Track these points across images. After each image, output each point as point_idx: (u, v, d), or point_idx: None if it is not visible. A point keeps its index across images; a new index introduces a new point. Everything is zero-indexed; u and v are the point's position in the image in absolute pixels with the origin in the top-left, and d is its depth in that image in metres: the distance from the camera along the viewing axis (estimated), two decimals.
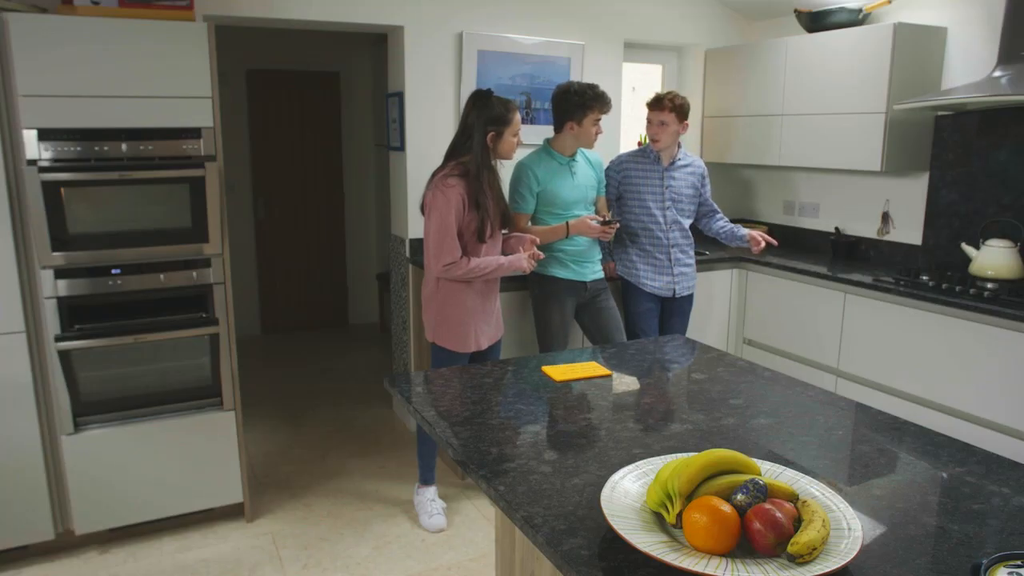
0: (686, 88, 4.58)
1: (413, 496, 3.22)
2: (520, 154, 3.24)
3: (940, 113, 3.50)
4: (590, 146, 3.21)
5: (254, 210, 5.74)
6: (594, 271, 3.29)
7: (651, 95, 3.35)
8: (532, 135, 3.93)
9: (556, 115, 3.17)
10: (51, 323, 2.62)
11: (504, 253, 2.95)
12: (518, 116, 2.80)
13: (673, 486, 1.20)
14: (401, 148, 3.77)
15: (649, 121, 3.34)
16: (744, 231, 3.46)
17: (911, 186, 3.70)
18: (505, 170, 3.00)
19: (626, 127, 4.39)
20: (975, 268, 3.20)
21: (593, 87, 3.12)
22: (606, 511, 1.20)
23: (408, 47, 3.62)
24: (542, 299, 3.25)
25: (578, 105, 3.09)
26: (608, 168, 3.44)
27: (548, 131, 4.03)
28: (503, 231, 2.94)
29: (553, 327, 3.25)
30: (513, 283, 3.38)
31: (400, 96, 3.71)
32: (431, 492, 3.10)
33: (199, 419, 2.90)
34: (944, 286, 3.08)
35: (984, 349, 2.87)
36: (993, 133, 3.31)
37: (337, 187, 5.99)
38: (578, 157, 3.25)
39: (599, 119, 3.14)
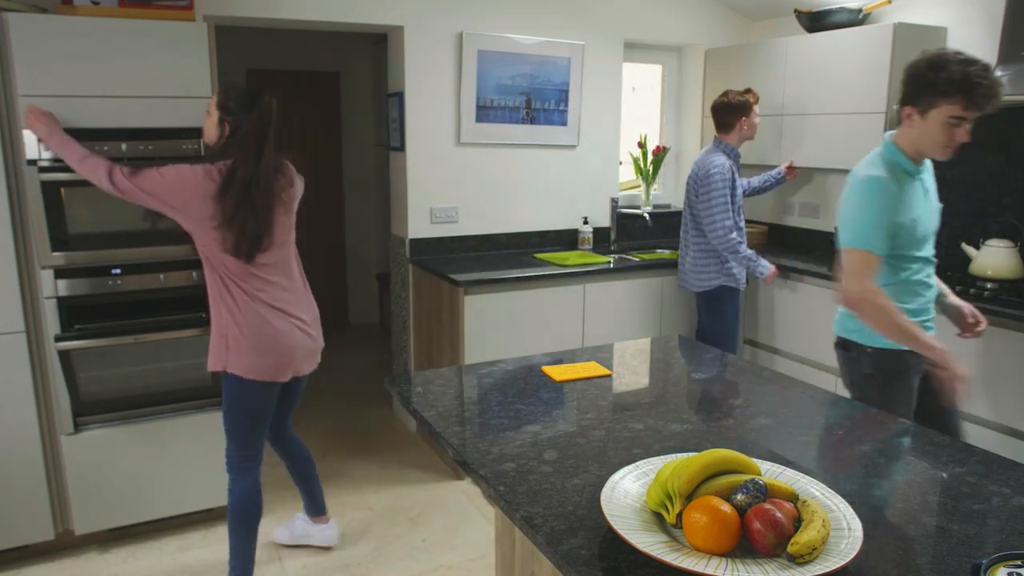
0: (686, 88, 4.58)
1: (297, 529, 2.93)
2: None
3: None
4: (938, 155, 2.13)
5: None
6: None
7: (752, 93, 3.44)
8: (532, 135, 3.93)
9: (903, 96, 2.13)
10: (51, 323, 2.62)
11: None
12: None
13: (673, 486, 1.20)
14: (401, 148, 3.77)
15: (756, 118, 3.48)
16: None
17: None
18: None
19: (626, 127, 4.38)
20: (975, 268, 3.20)
21: (971, 63, 1.98)
22: (606, 511, 1.20)
23: (408, 47, 3.62)
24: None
25: (928, 85, 2.02)
26: (721, 170, 3.38)
27: (548, 131, 4.03)
28: None
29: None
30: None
31: (400, 96, 3.71)
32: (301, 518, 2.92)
33: (199, 419, 2.89)
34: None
35: (984, 349, 2.86)
36: (993, 133, 3.31)
37: (337, 187, 5.99)
38: (926, 163, 2.23)
39: (961, 119, 2.01)
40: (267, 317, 2.33)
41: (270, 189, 2.31)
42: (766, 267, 3.49)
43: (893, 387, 2.31)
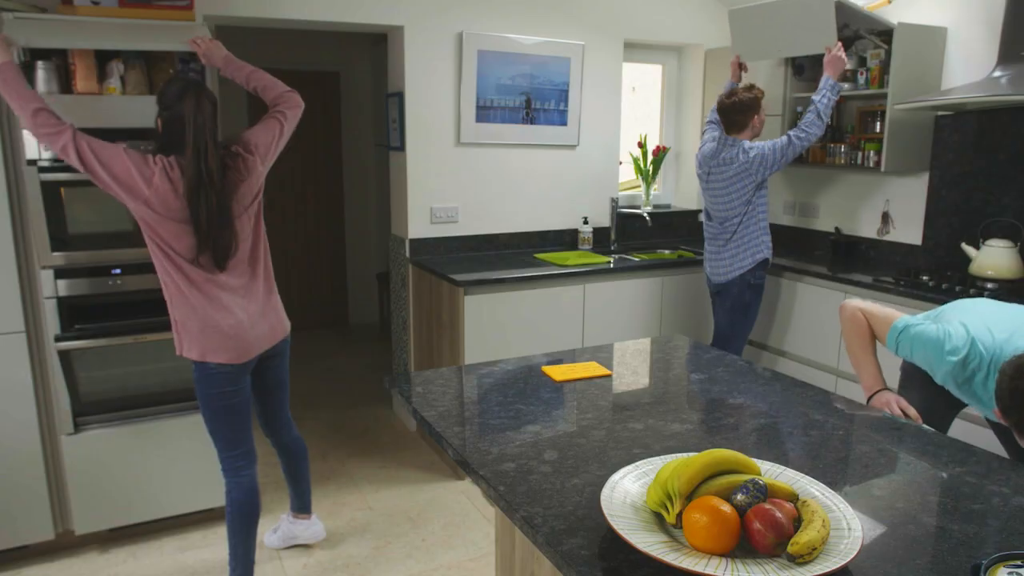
0: (686, 88, 4.58)
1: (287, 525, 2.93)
2: None
3: (940, 113, 3.50)
4: None
5: None
6: None
7: (757, 88, 3.41)
8: (532, 135, 3.93)
9: None
10: (51, 323, 2.62)
11: None
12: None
13: (673, 486, 1.20)
14: (401, 148, 3.77)
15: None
16: None
17: (911, 186, 3.70)
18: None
19: (626, 127, 4.38)
20: (975, 268, 3.20)
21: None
22: (606, 511, 1.20)
23: (408, 47, 3.62)
24: None
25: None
26: (750, 144, 3.36)
27: (548, 131, 4.04)
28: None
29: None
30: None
31: (400, 96, 3.71)
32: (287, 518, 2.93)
33: (199, 419, 2.88)
34: (944, 286, 3.08)
35: None
36: (993, 133, 3.31)
37: (337, 187, 5.99)
38: None
39: None
40: (208, 307, 2.29)
41: (222, 189, 2.25)
42: (831, 84, 3.27)
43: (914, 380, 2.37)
